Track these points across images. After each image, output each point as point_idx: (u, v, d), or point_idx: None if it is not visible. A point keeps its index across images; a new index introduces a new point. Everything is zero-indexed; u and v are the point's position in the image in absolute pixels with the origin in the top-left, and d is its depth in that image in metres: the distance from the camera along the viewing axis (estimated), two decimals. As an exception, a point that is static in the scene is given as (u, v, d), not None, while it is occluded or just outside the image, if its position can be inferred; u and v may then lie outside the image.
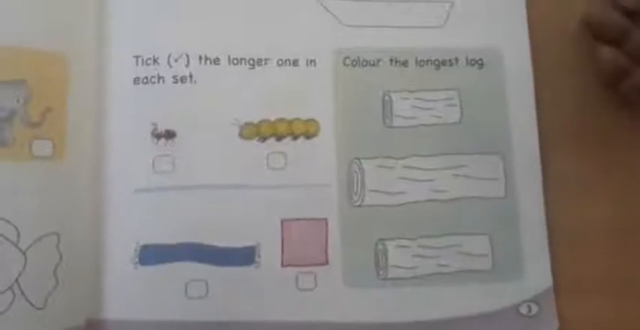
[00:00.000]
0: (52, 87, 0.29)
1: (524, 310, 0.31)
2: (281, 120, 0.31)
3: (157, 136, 0.31)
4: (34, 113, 0.29)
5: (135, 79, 0.31)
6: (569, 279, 0.31)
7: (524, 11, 0.33)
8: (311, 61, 0.32)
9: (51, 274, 0.28)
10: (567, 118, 0.33)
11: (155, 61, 0.31)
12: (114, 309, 0.29)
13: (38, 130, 0.29)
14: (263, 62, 0.32)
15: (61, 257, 0.28)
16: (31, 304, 0.27)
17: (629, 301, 0.32)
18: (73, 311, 0.28)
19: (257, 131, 0.31)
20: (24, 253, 0.27)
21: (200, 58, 0.31)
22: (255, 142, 0.31)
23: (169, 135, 0.31)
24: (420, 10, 0.33)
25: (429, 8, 0.33)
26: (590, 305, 0.32)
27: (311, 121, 0.32)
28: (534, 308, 0.31)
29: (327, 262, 0.30)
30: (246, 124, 0.31)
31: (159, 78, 0.31)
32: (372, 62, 0.32)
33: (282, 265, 0.30)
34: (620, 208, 0.33)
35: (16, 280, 0.27)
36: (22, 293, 0.27)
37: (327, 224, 0.31)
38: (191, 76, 0.31)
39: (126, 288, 0.29)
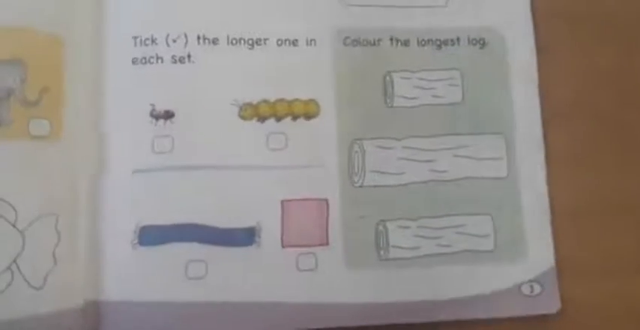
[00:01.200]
0: (49, 67, 0.29)
1: (526, 290, 0.31)
2: (281, 100, 0.31)
3: (156, 116, 0.30)
4: (31, 93, 0.28)
5: (133, 59, 0.31)
6: (572, 259, 0.31)
7: (526, -10, 0.33)
8: (311, 40, 0.32)
9: (49, 255, 0.28)
10: (570, 98, 0.33)
11: (153, 41, 0.31)
12: (113, 290, 0.29)
13: (35, 109, 0.28)
14: (262, 42, 0.31)
15: (59, 237, 0.28)
16: (29, 284, 0.27)
17: (631, 281, 0.32)
18: (71, 292, 0.28)
19: (256, 112, 0.31)
20: (22, 233, 0.27)
21: (199, 38, 0.31)
22: (254, 122, 0.31)
23: (168, 115, 0.30)
24: (421, -11, 0.33)
25: (430, -13, 0.33)
26: (593, 285, 0.32)
27: (311, 101, 0.31)
28: (537, 288, 0.31)
29: (327, 243, 0.30)
30: (246, 104, 0.31)
31: (157, 58, 0.31)
32: (372, 42, 0.32)
33: (283, 245, 0.30)
34: (624, 187, 0.32)
35: (14, 260, 0.27)
36: (21, 273, 0.27)
37: (327, 205, 0.31)
38: (189, 57, 0.31)
39: (125, 269, 0.29)
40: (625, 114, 0.33)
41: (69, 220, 0.28)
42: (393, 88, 0.32)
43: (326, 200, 0.31)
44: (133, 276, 0.29)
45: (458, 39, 0.32)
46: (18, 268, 0.27)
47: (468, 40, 0.32)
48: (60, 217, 0.28)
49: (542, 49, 0.33)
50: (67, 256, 0.28)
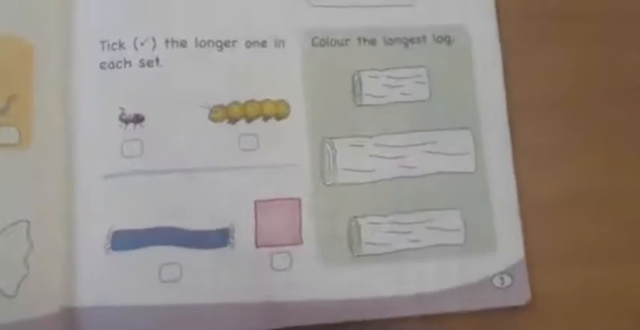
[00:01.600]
0: (16, 73, 0.29)
1: (497, 282, 0.31)
2: (251, 101, 0.31)
3: (126, 120, 0.30)
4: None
5: (101, 63, 0.31)
6: (541, 251, 0.32)
7: (490, -13, 0.34)
8: (279, 41, 0.32)
9: (22, 262, 0.28)
10: (535, 92, 0.33)
11: (121, 45, 0.31)
12: (88, 295, 0.29)
13: (3, 117, 0.28)
14: (231, 44, 0.32)
15: (31, 245, 0.28)
16: (2, 292, 0.27)
17: (599, 272, 0.32)
18: (46, 298, 0.28)
19: (227, 113, 0.31)
20: (-7, 242, 0.27)
21: (167, 41, 0.31)
22: (225, 124, 0.31)
23: (138, 119, 0.30)
24: (386, -12, 0.33)
25: (395, -14, 0.33)
26: (562, 276, 0.32)
27: (281, 101, 0.32)
28: (507, 280, 0.31)
29: (301, 242, 0.31)
30: (216, 106, 0.31)
31: (125, 62, 0.31)
32: (340, 42, 0.32)
33: (257, 245, 0.30)
34: (589, 179, 0.33)
35: (-14, 269, 0.27)
36: None
37: (300, 204, 0.31)
38: (158, 60, 0.31)
39: (99, 274, 0.29)
40: (591, 108, 0.34)
41: (41, 227, 0.28)
42: (361, 86, 0.32)
43: (299, 199, 0.31)
44: (107, 281, 0.29)
45: (424, 37, 0.33)
46: (-10, 276, 0.27)
47: (434, 38, 0.33)
48: (31, 224, 0.28)
49: (509, 45, 0.33)
50: (40, 262, 0.28)
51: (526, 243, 0.32)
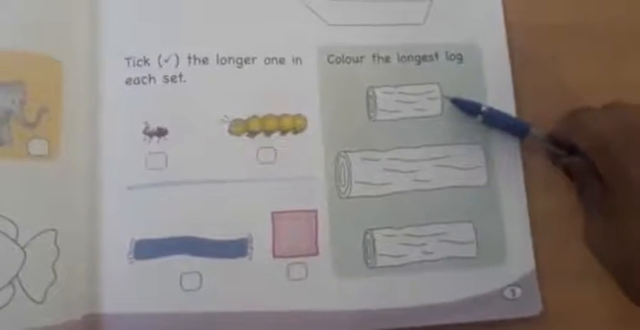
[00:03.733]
0: (47, 88, 0.30)
1: (508, 293, 0.32)
2: (269, 116, 0.32)
3: (149, 134, 0.31)
4: (30, 114, 0.30)
5: (127, 79, 0.32)
6: (552, 262, 0.33)
7: (500, 7, 0.35)
8: (297, 59, 0.33)
9: (49, 269, 0.29)
10: (544, 107, 0.34)
11: (146, 62, 0.32)
12: (111, 303, 0.30)
13: (34, 129, 0.29)
14: (251, 61, 0.33)
15: (58, 252, 0.29)
16: (30, 298, 0.28)
17: (609, 283, 0.32)
18: (71, 305, 0.29)
19: (246, 127, 0.32)
20: (23, 249, 0.28)
21: (189, 58, 0.32)
22: (244, 137, 0.32)
23: (161, 133, 0.32)
24: (400, 9, 0.34)
25: (409, 6, 0.34)
26: (572, 288, 0.33)
27: (299, 116, 0.33)
28: (518, 292, 0.32)
29: (317, 253, 0.31)
30: (235, 120, 0.32)
31: (150, 78, 0.32)
32: (355, 59, 0.34)
33: (274, 256, 0.31)
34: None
35: (16, 275, 0.28)
36: (22, 287, 0.28)
37: (316, 215, 0.32)
38: (181, 76, 0.32)
39: (122, 282, 0.30)
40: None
41: (67, 236, 0.29)
42: (375, 102, 0.33)
43: (315, 211, 0.32)
44: (130, 289, 0.30)
45: (436, 55, 0.34)
46: (19, 282, 0.28)
47: (446, 55, 0.34)
48: (59, 232, 0.29)
49: (518, 62, 0.34)
50: (66, 270, 0.29)
51: (538, 255, 0.33)
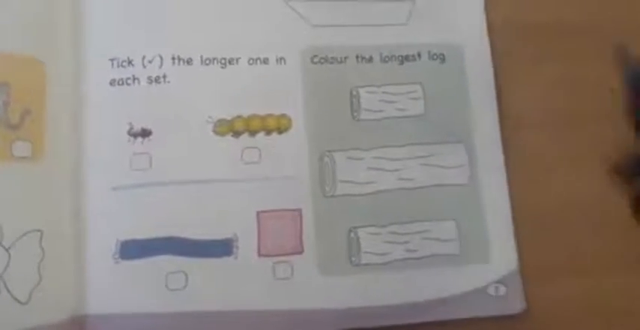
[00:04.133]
0: (30, 90, 0.30)
1: (492, 291, 0.32)
2: (254, 116, 0.33)
3: (134, 134, 0.32)
4: (14, 115, 0.29)
5: (111, 80, 0.32)
6: (535, 260, 0.33)
7: (482, 7, 0.35)
8: (281, 59, 0.33)
9: (34, 270, 0.29)
10: (527, 107, 0.35)
11: (130, 62, 0.32)
12: (97, 303, 0.30)
13: (18, 131, 0.29)
14: (235, 61, 0.33)
15: (43, 253, 0.29)
16: (15, 299, 0.28)
17: (593, 280, 0.33)
18: (56, 306, 0.29)
19: (230, 127, 0.32)
20: (7, 250, 0.28)
21: (173, 58, 0.32)
22: (229, 137, 0.32)
23: (145, 133, 0.32)
24: (383, 9, 0.35)
25: (392, 6, 0.35)
26: (556, 285, 0.33)
27: (283, 116, 0.33)
28: (502, 289, 0.32)
29: (302, 252, 0.32)
30: (220, 120, 0.32)
31: (134, 79, 0.32)
32: (339, 59, 0.34)
33: (259, 255, 0.31)
34: (583, 190, 0.34)
35: (1, 277, 0.28)
36: (7, 288, 0.28)
37: (301, 215, 0.32)
38: (165, 77, 0.32)
39: (108, 282, 0.30)
40: (582, 122, 0.35)
41: (52, 237, 0.29)
42: (359, 102, 0.33)
43: (300, 210, 0.32)
44: (115, 289, 0.30)
45: (419, 54, 0.34)
46: (4, 283, 0.28)
47: (429, 55, 0.34)
48: (44, 233, 0.29)
49: (500, 61, 0.35)
50: (52, 271, 0.29)
51: (521, 253, 0.33)
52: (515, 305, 0.32)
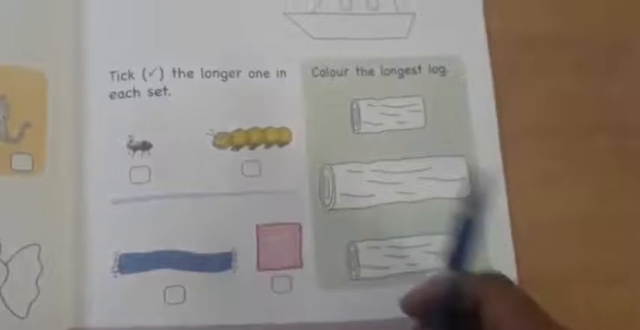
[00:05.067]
0: (30, 103, 0.30)
1: (491, 305, 0.32)
2: (254, 129, 0.33)
3: (133, 147, 0.32)
4: (13, 129, 0.30)
5: (111, 93, 0.32)
6: (534, 272, 0.33)
7: (482, 21, 0.35)
8: (281, 72, 0.33)
9: (33, 284, 0.29)
10: (526, 119, 0.35)
11: (130, 75, 0.32)
12: (95, 317, 0.30)
13: (17, 144, 0.30)
14: (235, 74, 0.33)
15: (42, 267, 0.29)
16: (13, 313, 0.28)
17: (590, 293, 0.33)
18: (55, 320, 0.29)
19: (230, 140, 0.32)
20: (6, 265, 0.28)
21: (174, 71, 0.33)
22: (229, 150, 0.32)
23: (145, 146, 0.32)
24: (384, 22, 0.35)
25: (392, 20, 0.35)
26: (553, 297, 0.33)
27: (283, 129, 0.33)
28: (501, 303, 0.32)
29: (301, 265, 0.32)
30: (220, 133, 0.32)
31: (134, 92, 0.32)
32: (339, 72, 0.34)
33: (259, 269, 0.31)
34: (583, 203, 0.34)
35: (-1, 291, 0.28)
36: (5, 303, 0.28)
37: (300, 228, 0.32)
38: (165, 89, 0.32)
39: (106, 296, 0.30)
40: (581, 135, 0.35)
41: (51, 250, 0.29)
42: (359, 115, 0.33)
43: (299, 224, 0.32)
44: (114, 303, 0.30)
45: (419, 68, 0.34)
46: (2, 298, 0.28)
47: (429, 68, 0.34)
48: (43, 247, 0.29)
49: (500, 75, 0.35)
50: (50, 285, 0.29)
51: (519, 264, 0.33)
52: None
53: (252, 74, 0.33)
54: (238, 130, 0.32)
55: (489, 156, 0.34)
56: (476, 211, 0.25)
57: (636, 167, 0.35)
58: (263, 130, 0.33)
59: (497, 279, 0.25)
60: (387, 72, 0.34)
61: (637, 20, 0.36)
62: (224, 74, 0.33)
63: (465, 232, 0.25)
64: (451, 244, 0.26)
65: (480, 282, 0.24)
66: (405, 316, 0.31)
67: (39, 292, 0.29)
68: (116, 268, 0.30)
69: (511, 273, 0.33)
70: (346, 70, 0.34)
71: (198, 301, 0.30)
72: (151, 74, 0.32)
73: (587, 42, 0.36)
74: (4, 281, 0.28)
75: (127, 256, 0.30)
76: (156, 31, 0.33)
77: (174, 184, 0.31)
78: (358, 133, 0.33)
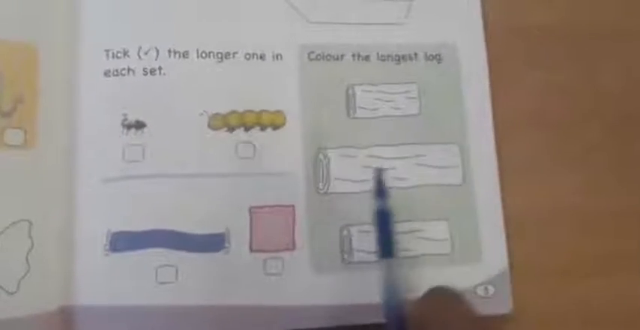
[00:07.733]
0: (23, 77, 0.30)
1: (481, 291, 0.33)
2: (249, 111, 0.33)
3: (127, 126, 0.31)
4: (6, 103, 0.29)
5: (106, 71, 0.32)
6: (525, 262, 0.33)
7: (479, 10, 0.35)
8: (277, 55, 0.33)
9: (23, 260, 0.28)
10: (520, 108, 0.35)
11: (125, 53, 0.32)
12: (86, 295, 0.30)
13: (10, 119, 0.29)
14: (231, 56, 0.33)
15: (32, 243, 0.29)
16: (3, 289, 0.28)
17: (581, 283, 0.33)
18: (45, 297, 0.29)
19: (225, 122, 0.32)
20: (-5, 240, 0.28)
21: (169, 51, 0.32)
22: (223, 132, 0.32)
23: (139, 125, 0.31)
24: (381, 8, 0.35)
25: (389, 5, 0.35)
26: (543, 287, 0.33)
27: (278, 112, 0.33)
28: (491, 289, 0.33)
29: (294, 248, 0.32)
30: (215, 114, 0.32)
31: (129, 70, 0.32)
32: (336, 57, 0.34)
33: (251, 250, 0.31)
34: (574, 193, 0.35)
35: (-12, 266, 0.28)
36: None
37: (294, 211, 0.32)
38: (160, 69, 0.32)
39: (97, 274, 0.30)
40: (575, 125, 0.35)
41: (42, 227, 0.29)
42: (355, 100, 0.34)
43: (293, 206, 0.32)
44: (105, 281, 0.30)
45: (415, 55, 0.34)
46: (-9, 272, 0.28)
47: (425, 55, 0.35)
48: (33, 223, 0.29)
49: (495, 63, 0.35)
50: (40, 261, 0.29)
51: (512, 254, 0.33)
52: (503, 306, 0.33)
53: (248, 56, 0.33)
54: (233, 111, 0.32)
55: (483, 144, 0.34)
56: (384, 202, 0.29)
57: (631, 158, 0.35)
58: (258, 113, 0.33)
59: (441, 298, 0.26)
60: (383, 58, 0.34)
61: (633, 10, 0.37)
62: (219, 55, 0.33)
63: (383, 222, 0.29)
64: (378, 236, 0.29)
65: (421, 304, 0.25)
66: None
67: (29, 268, 0.28)
68: (108, 247, 0.30)
69: (502, 262, 0.33)
70: (342, 55, 0.34)
71: (190, 281, 0.30)
72: (146, 53, 0.32)
73: (582, 32, 0.36)
74: (-6, 256, 0.28)
75: (118, 234, 0.30)
76: (152, 11, 0.33)
77: (167, 163, 0.31)
78: (353, 118, 0.33)
